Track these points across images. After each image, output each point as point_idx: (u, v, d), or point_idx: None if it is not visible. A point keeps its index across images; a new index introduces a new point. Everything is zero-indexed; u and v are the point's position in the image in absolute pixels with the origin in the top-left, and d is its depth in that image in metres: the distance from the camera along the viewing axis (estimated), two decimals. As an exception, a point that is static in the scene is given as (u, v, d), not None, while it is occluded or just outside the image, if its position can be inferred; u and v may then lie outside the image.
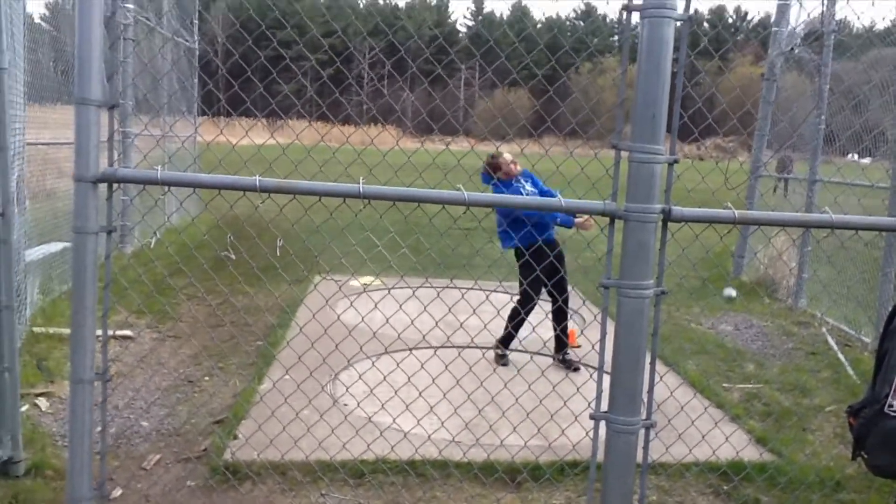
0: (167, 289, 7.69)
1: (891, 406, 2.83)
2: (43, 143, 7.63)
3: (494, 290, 7.05)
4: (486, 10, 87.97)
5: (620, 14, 2.68)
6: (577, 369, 6.22)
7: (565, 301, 6.06)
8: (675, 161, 2.79)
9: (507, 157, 6.23)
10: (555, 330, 6.23)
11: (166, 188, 8.75)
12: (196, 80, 13.52)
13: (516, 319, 6.06)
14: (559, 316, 6.12)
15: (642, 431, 2.80)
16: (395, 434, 4.42)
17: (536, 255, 5.91)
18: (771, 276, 9.90)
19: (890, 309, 3.13)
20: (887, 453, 2.75)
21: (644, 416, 2.79)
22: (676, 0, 2.55)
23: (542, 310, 5.31)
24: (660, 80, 2.57)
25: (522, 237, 5.89)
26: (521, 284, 6.18)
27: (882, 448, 2.75)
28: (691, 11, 2.64)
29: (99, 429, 2.96)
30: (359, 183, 2.68)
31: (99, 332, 2.74)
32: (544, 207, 2.98)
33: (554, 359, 6.29)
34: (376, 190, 2.71)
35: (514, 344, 6.26)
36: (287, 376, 4.85)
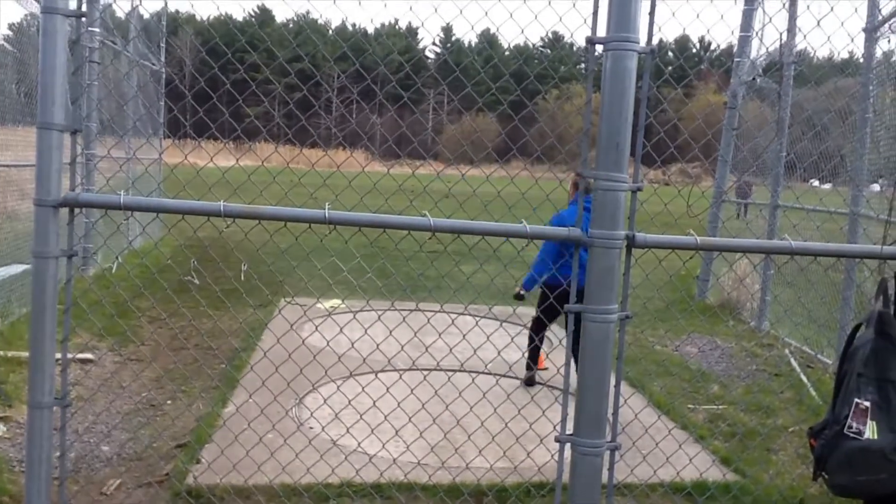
0: (129, 312, 7.58)
1: (850, 427, 2.88)
2: (4, 165, 7.52)
3: (461, 314, 7.06)
4: (456, 36, 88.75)
5: (585, 46, 2.73)
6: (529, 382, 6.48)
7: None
8: (639, 189, 2.84)
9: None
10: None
11: (129, 213, 8.65)
12: (162, 104, 13.45)
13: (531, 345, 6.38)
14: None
15: (607, 453, 2.82)
16: (360, 457, 4.40)
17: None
18: (734, 299, 10.06)
19: (849, 332, 3.20)
20: (847, 473, 2.80)
21: (609, 439, 2.81)
22: (639, 33, 2.61)
23: (508, 333, 5.33)
24: (623, 110, 2.62)
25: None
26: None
27: (842, 468, 2.81)
28: (654, 44, 2.71)
29: (58, 454, 2.91)
30: (324, 208, 2.69)
31: (58, 355, 2.70)
32: (511, 234, 3.00)
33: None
34: (342, 216, 2.71)
35: (479, 366, 6.26)
36: (251, 400, 4.80)
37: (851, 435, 2.84)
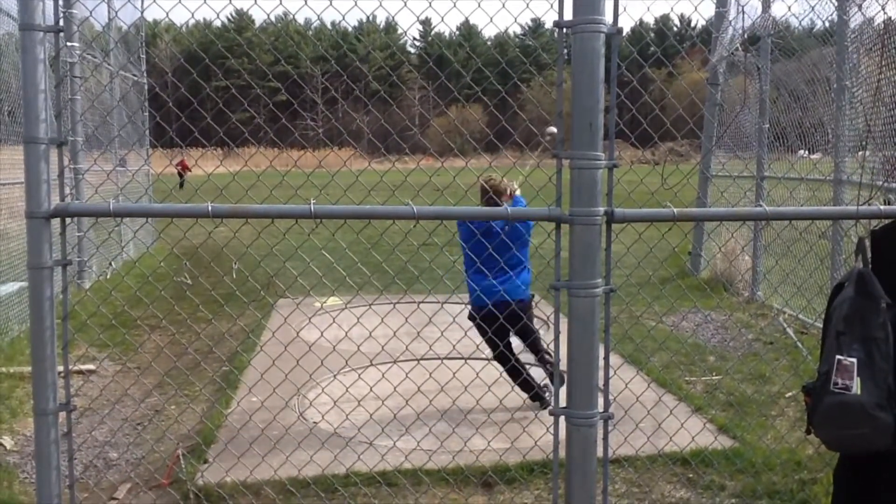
0: (127, 320, 7.64)
1: (836, 384, 2.96)
2: (-7, 184, 7.56)
3: (446, 301, 7.16)
4: (436, 30, 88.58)
5: (552, 29, 2.80)
6: (545, 405, 5.60)
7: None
8: (615, 166, 2.91)
9: (497, 177, 5.60)
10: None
11: (119, 220, 8.69)
12: (146, 113, 13.47)
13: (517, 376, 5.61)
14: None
15: (601, 424, 2.90)
16: (362, 446, 4.48)
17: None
18: (727, 272, 10.15)
19: (830, 292, 3.27)
20: (830, 426, 2.89)
21: (601, 409, 2.89)
22: (605, 16, 2.67)
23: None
24: (593, 90, 2.69)
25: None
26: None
27: (826, 422, 2.89)
28: (620, 25, 2.78)
29: (66, 460, 2.98)
30: (309, 203, 2.76)
31: (60, 368, 2.77)
32: (491, 217, 3.08)
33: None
34: (327, 209, 2.78)
35: (471, 349, 5.93)
36: (253, 397, 4.88)
37: (836, 391, 2.92)
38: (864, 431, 2.83)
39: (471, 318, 5.56)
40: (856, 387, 2.92)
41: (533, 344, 5.69)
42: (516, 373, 5.48)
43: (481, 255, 5.00)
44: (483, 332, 5.33)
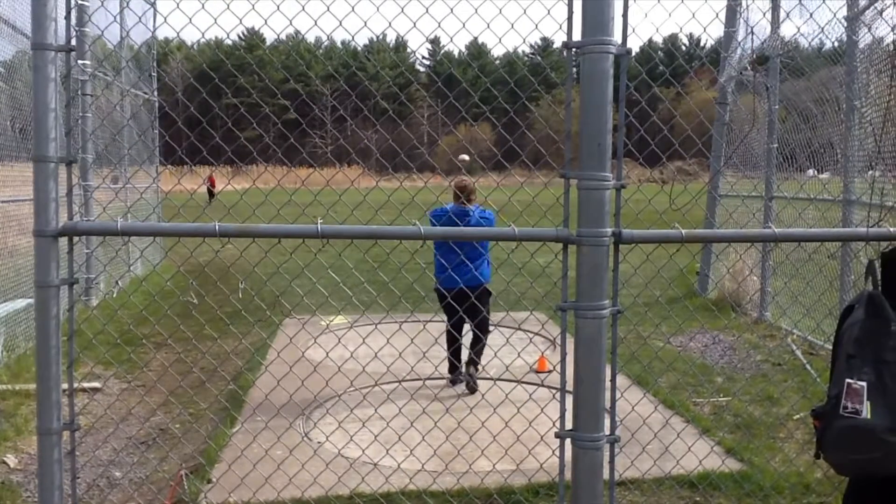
0: (133, 338, 7.64)
1: (845, 408, 2.93)
2: (2, 201, 7.60)
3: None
4: (445, 49, 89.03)
5: (561, 49, 2.81)
6: (472, 391, 6.41)
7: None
8: (623, 186, 2.90)
9: (467, 179, 6.66)
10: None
11: (127, 239, 8.71)
12: (156, 132, 13.54)
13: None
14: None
15: (607, 446, 2.87)
16: (366, 467, 4.44)
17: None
18: (735, 292, 10.10)
19: (840, 314, 3.25)
20: (840, 451, 2.86)
21: (608, 432, 2.86)
22: (614, 35, 2.67)
23: (503, 335, 5.39)
24: (602, 111, 2.69)
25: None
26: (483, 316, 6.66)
27: (836, 446, 2.86)
28: (629, 46, 2.78)
29: (69, 480, 2.96)
30: (317, 223, 2.75)
31: (65, 385, 2.76)
32: (500, 238, 3.07)
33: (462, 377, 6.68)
34: (334, 229, 2.78)
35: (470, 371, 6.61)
36: (257, 417, 4.86)
37: (846, 415, 2.89)
38: (875, 456, 2.79)
39: (440, 295, 6.44)
40: (866, 411, 2.88)
41: (481, 324, 6.62)
42: (453, 346, 6.55)
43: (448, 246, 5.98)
44: (447, 307, 6.32)
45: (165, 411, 5.87)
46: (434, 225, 6.09)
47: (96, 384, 6.48)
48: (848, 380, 2.89)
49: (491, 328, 6.90)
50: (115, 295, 10.35)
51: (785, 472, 4.66)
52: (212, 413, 5.82)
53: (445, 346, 6.70)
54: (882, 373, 2.92)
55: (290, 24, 2.90)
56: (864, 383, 2.90)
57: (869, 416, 2.85)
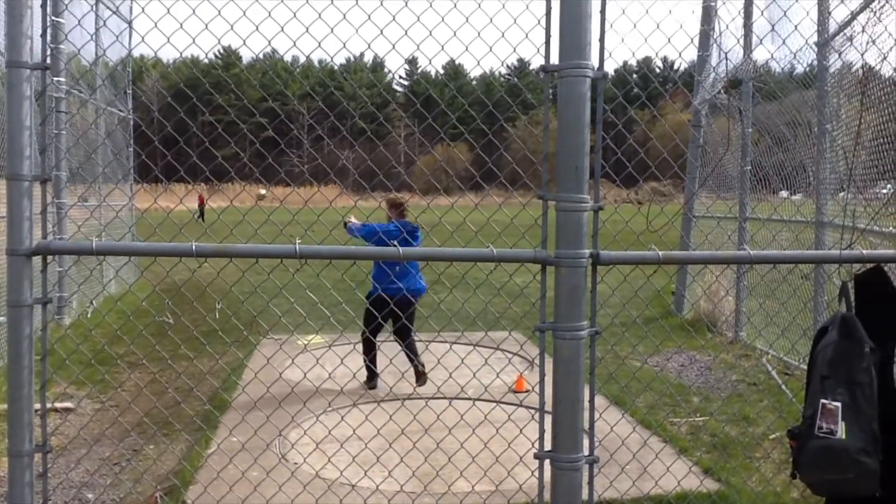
0: (107, 358, 7.54)
1: (820, 428, 2.95)
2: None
3: (432, 341, 7.13)
4: (422, 69, 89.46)
5: (538, 72, 2.83)
6: (422, 383, 6.70)
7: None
8: (600, 208, 2.92)
9: (400, 196, 7.12)
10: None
11: (102, 258, 8.63)
12: (131, 150, 13.45)
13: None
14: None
15: (586, 467, 2.87)
16: (344, 488, 4.40)
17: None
18: (710, 313, 10.18)
19: (814, 335, 3.29)
20: (815, 470, 2.88)
21: (587, 453, 2.86)
22: (591, 59, 2.70)
23: (481, 356, 5.39)
24: (579, 133, 2.71)
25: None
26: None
27: (810, 466, 2.88)
28: (606, 69, 2.82)
29: (41, 502, 2.91)
30: (294, 243, 2.74)
31: (38, 405, 2.71)
32: (478, 258, 3.07)
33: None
34: (312, 249, 2.77)
35: (455, 390, 6.53)
36: (233, 437, 4.80)
37: (821, 434, 2.91)
38: (850, 476, 2.82)
39: (373, 302, 6.57)
40: (840, 431, 2.91)
41: (401, 331, 6.86)
42: (370, 352, 6.76)
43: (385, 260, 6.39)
44: (373, 315, 6.48)
45: (140, 432, 5.78)
46: (386, 240, 6.24)
47: (69, 404, 6.37)
48: (823, 400, 2.93)
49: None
50: (89, 314, 10.22)
51: (762, 492, 4.69)
52: (187, 434, 5.74)
53: (362, 353, 6.92)
54: (855, 394, 2.95)
55: (269, 43, 2.90)
56: (838, 404, 2.94)
57: (844, 437, 2.88)
